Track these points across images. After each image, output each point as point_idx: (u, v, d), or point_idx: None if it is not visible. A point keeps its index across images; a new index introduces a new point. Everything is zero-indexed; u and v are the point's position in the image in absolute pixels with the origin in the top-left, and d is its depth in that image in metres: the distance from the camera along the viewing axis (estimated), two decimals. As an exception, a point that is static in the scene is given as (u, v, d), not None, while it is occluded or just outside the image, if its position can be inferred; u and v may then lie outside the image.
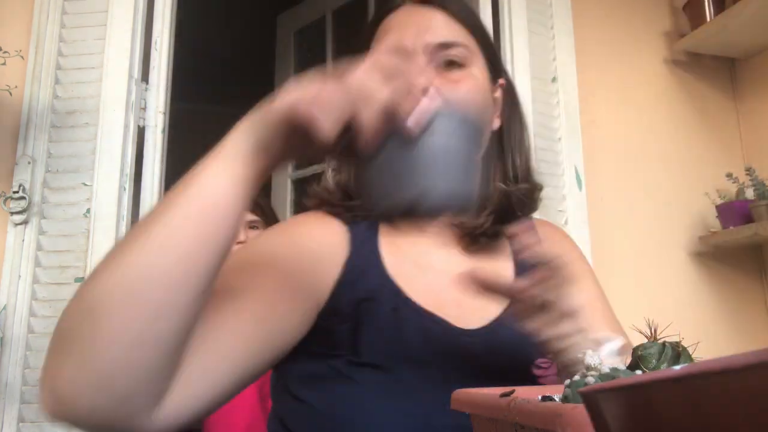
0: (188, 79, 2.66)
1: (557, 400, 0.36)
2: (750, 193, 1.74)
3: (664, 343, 0.38)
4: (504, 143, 0.78)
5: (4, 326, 1.30)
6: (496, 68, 0.78)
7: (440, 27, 0.71)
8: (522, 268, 0.72)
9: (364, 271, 0.68)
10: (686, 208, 1.88)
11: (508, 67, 1.68)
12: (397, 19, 0.73)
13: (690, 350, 0.37)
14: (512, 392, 0.37)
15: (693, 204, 1.88)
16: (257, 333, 0.57)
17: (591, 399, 0.20)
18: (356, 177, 0.46)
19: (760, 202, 1.69)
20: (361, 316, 0.63)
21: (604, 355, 0.43)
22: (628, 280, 1.76)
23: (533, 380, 0.64)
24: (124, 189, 1.38)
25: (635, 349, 0.39)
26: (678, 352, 0.37)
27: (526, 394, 0.37)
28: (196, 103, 4.02)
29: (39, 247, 1.34)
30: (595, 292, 0.77)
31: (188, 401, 0.51)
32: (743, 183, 1.77)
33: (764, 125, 1.93)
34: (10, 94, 1.38)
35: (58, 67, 1.42)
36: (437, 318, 0.65)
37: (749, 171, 1.76)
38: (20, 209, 1.34)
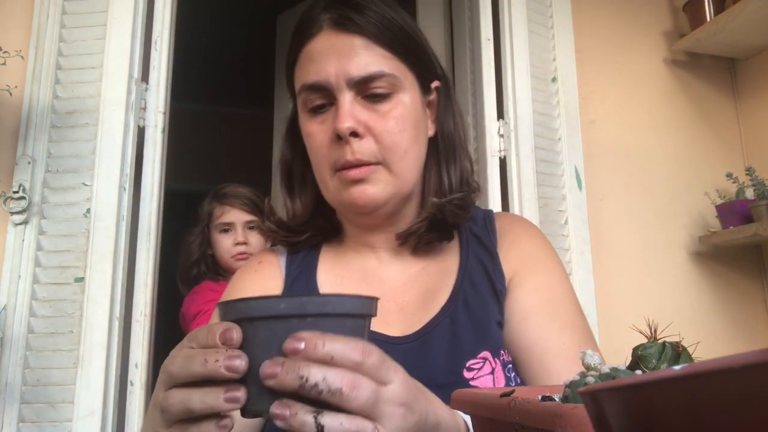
0: (188, 79, 2.66)
1: (557, 400, 0.36)
2: (750, 193, 1.74)
3: (664, 343, 0.38)
4: (439, 151, 0.78)
5: (4, 326, 1.30)
6: (428, 73, 0.77)
7: (361, 56, 0.69)
8: (459, 284, 0.74)
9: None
10: (686, 208, 1.88)
11: (508, 67, 1.68)
12: (318, 47, 0.70)
13: (690, 350, 0.37)
14: (512, 392, 0.37)
15: (693, 204, 1.88)
16: None
17: (591, 399, 0.20)
18: None
19: (760, 202, 1.69)
20: None
21: None
22: (628, 280, 1.76)
23: (464, 383, 0.65)
24: (124, 189, 1.38)
25: (635, 349, 0.39)
26: (678, 352, 0.37)
27: (526, 394, 0.37)
28: (196, 103, 4.02)
29: (39, 247, 1.34)
30: (548, 294, 0.74)
31: None
32: (743, 183, 1.77)
33: (764, 125, 1.93)
34: (10, 94, 1.38)
35: (58, 67, 1.42)
36: (373, 333, 0.67)
37: (749, 171, 1.76)
38: (20, 209, 1.34)
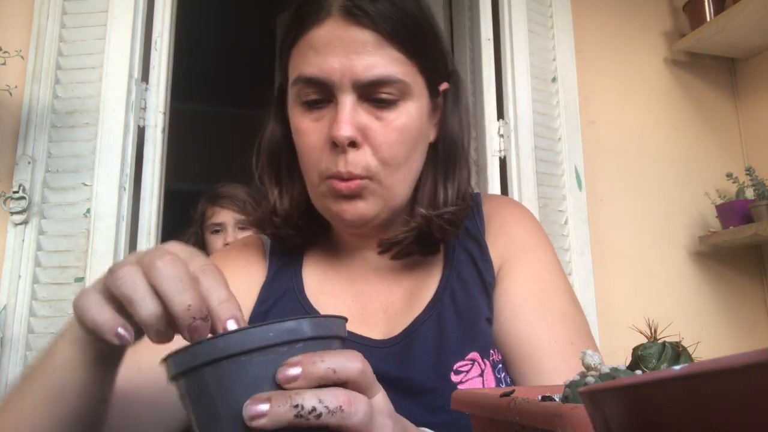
0: (188, 79, 2.66)
1: (557, 400, 0.36)
2: (750, 193, 1.74)
3: (664, 343, 0.38)
4: (438, 158, 0.71)
5: (4, 326, 1.30)
6: (439, 75, 0.70)
7: (371, 55, 0.61)
8: (446, 280, 0.70)
9: (280, 297, 0.69)
10: (686, 208, 1.88)
11: (508, 67, 1.68)
12: (324, 36, 0.62)
13: (690, 350, 0.37)
14: (512, 392, 0.37)
15: (693, 204, 1.88)
16: (162, 402, 0.62)
17: (591, 399, 0.20)
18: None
19: (760, 202, 1.69)
20: None
21: None
22: (628, 280, 1.76)
23: (454, 388, 0.62)
24: (124, 189, 1.38)
25: (635, 349, 0.39)
26: (678, 352, 0.37)
27: (526, 394, 0.37)
28: (196, 103, 4.02)
29: (39, 247, 1.34)
30: (539, 286, 0.70)
31: None
32: (743, 183, 1.77)
33: (764, 125, 1.93)
34: (10, 94, 1.38)
35: (58, 67, 1.42)
36: (353, 336, 0.65)
37: (749, 171, 1.76)
38: (20, 209, 1.34)
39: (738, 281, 1.89)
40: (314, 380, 0.36)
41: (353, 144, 0.62)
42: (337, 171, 0.63)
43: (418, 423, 0.50)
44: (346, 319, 0.41)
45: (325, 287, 0.72)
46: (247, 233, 1.79)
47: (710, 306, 1.84)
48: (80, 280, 1.32)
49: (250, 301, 0.70)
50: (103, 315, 0.40)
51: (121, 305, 0.41)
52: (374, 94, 0.63)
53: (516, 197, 1.60)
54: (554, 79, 1.76)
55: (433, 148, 0.72)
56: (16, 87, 1.39)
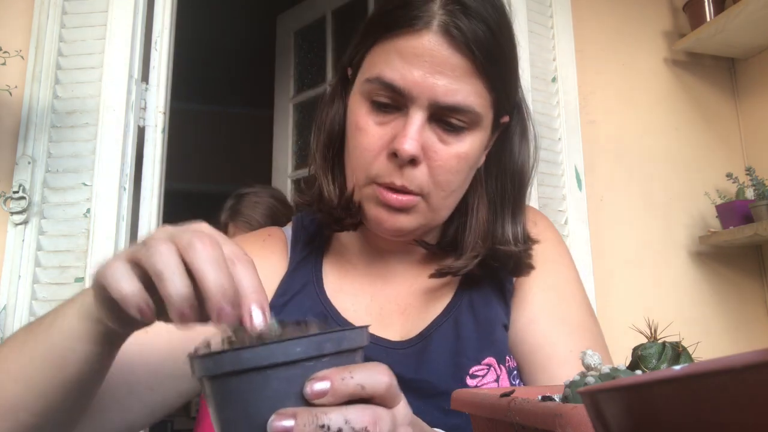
0: (188, 79, 2.66)
1: (557, 400, 0.36)
2: (750, 193, 1.74)
3: (664, 343, 0.38)
4: (502, 190, 0.70)
5: (4, 326, 1.30)
6: (507, 106, 0.69)
7: (457, 81, 0.60)
8: (465, 285, 0.70)
9: (298, 291, 0.69)
10: (686, 208, 1.88)
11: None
12: (416, 48, 0.60)
13: (690, 350, 0.37)
14: (512, 392, 0.37)
15: (693, 204, 1.88)
16: (167, 372, 0.63)
17: (591, 399, 0.20)
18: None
19: (760, 202, 1.69)
20: None
21: None
22: (628, 280, 1.76)
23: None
24: (124, 189, 1.38)
25: (635, 349, 0.39)
26: (678, 352, 0.37)
27: (526, 394, 0.37)
28: (196, 103, 4.02)
29: (39, 247, 1.34)
30: (557, 295, 0.70)
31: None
32: (743, 183, 1.77)
33: (764, 125, 1.93)
34: (10, 94, 1.38)
35: (58, 67, 1.42)
36: (372, 337, 0.65)
37: (749, 171, 1.76)
38: (20, 209, 1.34)
39: (738, 281, 1.89)
40: (342, 397, 0.35)
41: (413, 161, 0.61)
42: (391, 182, 0.62)
43: (432, 424, 0.50)
44: (368, 326, 0.41)
45: (344, 285, 0.71)
46: None
47: (710, 306, 1.84)
48: (80, 280, 1.32)
49: (270, 292, 0.70)
50: (132, 286, 0.39)
51: (148, 281, 0.39)
52: (446, 117, 0.62)
53: (516, 197, 1.60)
54: (554, 79, 1.76)
55: (492, 176, 0.71)
56: (16, 87, 1.39)
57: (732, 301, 1.86)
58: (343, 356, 0.37)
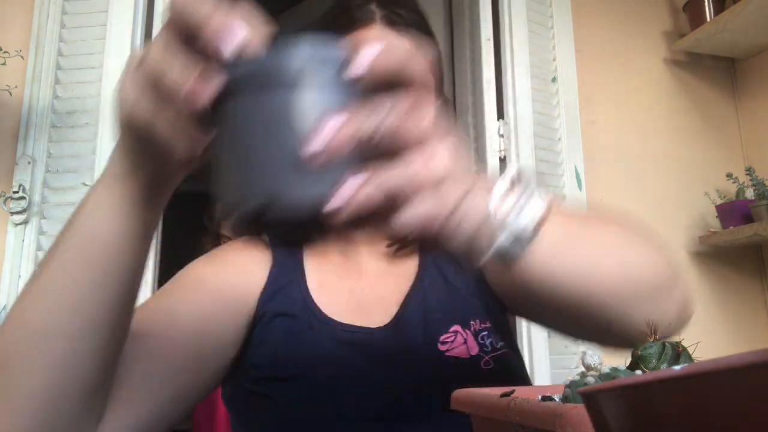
0: (188, 79, 2.66)
1: (557, 400, 0.36)
2: (750, 193, 1.74)
3: (664, 343, 0.38)
4: None
5: (4, 326, 1.30)
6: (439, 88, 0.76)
7: None
8: (423, 264, 0.73)
9: (284, 286, 0.70)
10: (686, 208, 1.88)
11: (508, 67, 1.68)
12: (369, 36, 0.67)
13: (690, 350, 0.37)
14: (512, 392, 0.37)
15: (693, 204, 1.88)
16: (193, 352, 0.60)
17: (591, 399, 0.20)
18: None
19: (760, 202, 1.69)
20: (279, 332, 0.66)
21: (496, 195, 0.34)
22: (628, 280, 1.76)
23: (442, 357, 0.66)
24: (124, 189, 1.38)
25: (635, 349, 0.39)
26: (678, 352, 0.37)
27: (526, 394, 0.37)
28: (196, 103, 4.02)
29: (39, 247, 1.34)
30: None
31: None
32: (743, 183, 1.77)
33: (764, 125, 1.93)
34: (10, 94, 1.38)
35: (58, 67, 1.42)
36: (351, 327, 0.67)
37: (749, 171, 1.76)
38: (20, 209, 1.34)
39: (738, 281, 1.89)
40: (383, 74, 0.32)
41: None
42: None
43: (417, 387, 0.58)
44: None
45: (323, 280, 0.73)
46: None
47: (710, 306, 1.84)
48: (80, 280, 1.32)
49: (262, 280, 0.70)
50: (178, 64, 0.34)
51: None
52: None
53: (516, 197, 1.60)
54: (554, 79, 1.76)
55: None
56: (16, 87, 1.39)
57: (732, 301, 1.86)
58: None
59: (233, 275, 0.68)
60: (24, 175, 1.36)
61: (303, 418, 0.62)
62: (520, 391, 0.38)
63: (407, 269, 0.74)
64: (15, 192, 1.34)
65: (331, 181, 0.31)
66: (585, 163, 1.74)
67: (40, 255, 1.34)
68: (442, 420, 0.61)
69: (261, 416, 0.65)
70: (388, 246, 0.74)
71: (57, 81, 1.42)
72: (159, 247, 1.41)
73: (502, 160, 1.65)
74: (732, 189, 1.80)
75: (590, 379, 0.35)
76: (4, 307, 1.31)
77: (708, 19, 1.84)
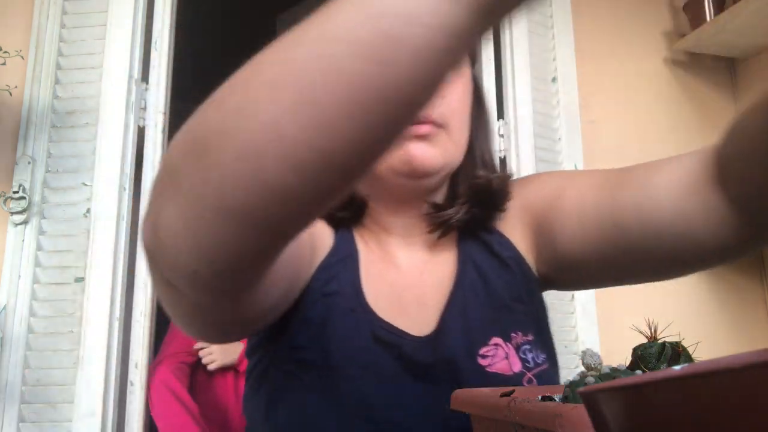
0: (188, 79, 2.66)
1: (557, 400, 0.36)
2: (750, 193, 1.74)
3: (664, 343, 0.38)
4: (475, 123, 0.72)
5: (4, 326, 1.30)
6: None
7: None
8: (462, 267, 0.70)
9: (338, 263, 0.67)
10: (686, 208, 1.88)
11: (508, 67, 1.68)
12: None
13: (690, 350, 0.37)
14: (512, 392, 0.37)
15: (693, 204, 1.88)
16: (296, 265, 0.58)
17: (591, 399, 0.20)
18: None
19: (760, 202, 1.69)
20: (321, 310, 0.63)
21: None
22: (628, 280, 1.76)
23: (481, 371, 0.62)
24: (124, 189, 1.38)
25: (635, 349, 0.39)
26: (678, 352, 0.37)
27: (526, 394, 0.37)
28: (196, 103, 4.02)
29: (39, 247, 1.34)
30: (601, 176, 0.71)
31: (264, 305, 0.49)
32: (743, 183, 1.77)
33: (764, 125, 1.93)
34: (10, 94, 1.38)
35: (58, 67, 1.42)
36: (390, 326, 0.64)
37: (749, 171, 1.76)
38: (20, 209, 1.34)
39: (738, 281, 1.89)
40: None
41: None
42: None
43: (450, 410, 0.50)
44: None
45: (369, 268, 0.69)
46: None
47: (710, 306, 1.84)
48: (80, 280, 1.32)
49: (327, 247, 0.67)
50: None
51: None
52: None
53: (516, 197, 1.60)
54: (554, 79, 1.76)
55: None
56: (16, 87, 1.39)
57: (732, 301, 1.86)
58: None
59: (308, 237, 0.63)
60: (24, 175, 1.36)
61: (328, 412, 0.59)
62: (520, 391, 0.38)
63: (445, 266, 0.71)
64: (15, 192, 1.34)
65: None
66: (585, 163, 1.74)
67: (40, 255, 1.34)
68: None
69: (292, 398, 0.60)
70: (430, 232, 0.70)
71: (57, 81, 1.42)
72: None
73: (503, 160, 1.65)
74: (732, 189, 1.80)
75: (590, 379, 0.35)
76: (4, 307, 1.31)
77: (708, 19, 1.84)
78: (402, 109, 0.32)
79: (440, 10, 0.30)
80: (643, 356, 0.37)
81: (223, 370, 1.78)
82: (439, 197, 0.71)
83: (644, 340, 0.39)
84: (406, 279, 0.70)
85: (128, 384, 1.33)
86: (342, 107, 0.31)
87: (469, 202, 0.69)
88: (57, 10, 1.44)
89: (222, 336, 0.54)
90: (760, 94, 0.48)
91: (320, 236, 0.67)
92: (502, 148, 1.65)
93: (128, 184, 1.39)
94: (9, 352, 1.29)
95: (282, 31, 0.34)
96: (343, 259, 0.68)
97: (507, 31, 1.70)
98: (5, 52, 1.36)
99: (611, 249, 0.61)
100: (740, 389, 0.14)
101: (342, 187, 0.35)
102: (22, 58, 1.41)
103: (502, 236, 0.71)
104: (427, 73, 0.32)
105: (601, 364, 0.37)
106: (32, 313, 1.31)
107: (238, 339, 0.56)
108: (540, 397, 0.36)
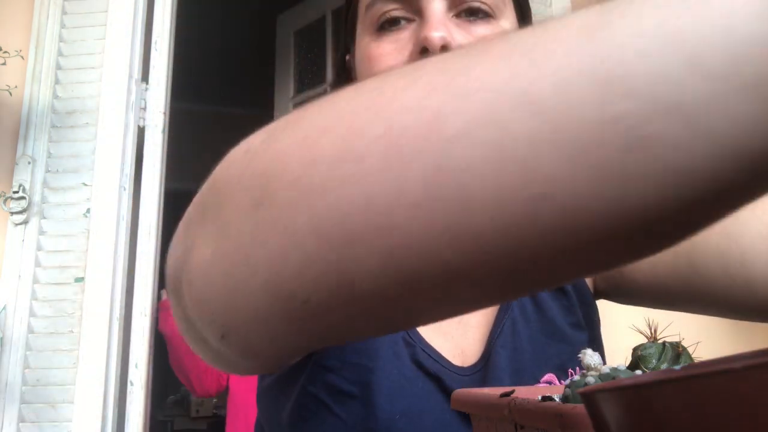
0: (188, 79, 2.66)
1: (557, 400, 0.36)
2: (750, 193, 1.74)
3: (664, 343, 0.38)
4: None
5: (4, 326, 1.30)
6: (526, 21, 0.60)
7: None
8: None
9: None
10: (686, 208, 1.88)
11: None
12: None
13: (690, 350, 0.37)
14: (512, 392, 0.37)
15: (693, 204, 1.88)
16: None
17: (591, 399, 0.20)
18: None
19: (760, 202, 1.68)
20: None
21: None
22: (628, 280, 1.76)
23: None
24: (124, 189, 1.38)
25: (635, 349, 0.39)
26: (678, 352, 0.37)
27: (526, 394, 0.37)
28: (196, 103, 4.03)
29: (39, 247, 1.34)
30: None
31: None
32: (743, 183, 1.77)
33: (764, 125, 1.93)
34: (10, 94, 1.38)
35: (58, 67, 1.42)
36: (436, 354, 0.56)
37: (749, 171, 1.76)
38: (20, 209, 1.34)
39: (738, 281, 1.89)
40: None
41: (444, 48, 0.50)
42: None
43: None
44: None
45: None
46: None
47: (710, 306, 1.84)
48: (80, 280, 1.32)
49: None
50: None
51: None
52: (465, 3, 0.53)
53: (516, 197, 1.60)
54: (554, 79, 1.76)
55: None
56: (16, 87, 1.39)
57: (732, 301, 1.86)
58: None
59: None
60: (24, 175, 1.36)
61: None
62: (520, 391, 0.38)
63: None
64: (15, 192, 1.34)
65: None
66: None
67: (40, 255, 1.34)
68: None
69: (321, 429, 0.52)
70: None
71: (57, 81, 1.42)
72: (159, 247, 1.41)
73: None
74: (732, 189, 1.80)
75: (590, 379, 0.35)
76: (4, 308, 1.31)
77: (708, 19, 1.84)
78: None
79: None
80: (643, 356, 0.37)
81: None
82: None
83: (644, 340, 0.39)
84: None
85: (128, 384, 1.33)
86: None
87: None
88: (57, 10, 1.44)
89: (244, 374, 0.44)
90: None
91: None
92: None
93: (128, 184, 1.39)
94: (9, 352, 1.29)
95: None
96: None
97: (507, 31, 1.70)
98: (5, 52, 1.36)
99: (687, 291, 0.52)
100: (741, 390, 0.14)
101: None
102: (22, 58, 1.41)
103: None
104: None
105: (600, 364, 0.37)
106: (32, 313, 1.31)
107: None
108: (540, 397, 0.36)
